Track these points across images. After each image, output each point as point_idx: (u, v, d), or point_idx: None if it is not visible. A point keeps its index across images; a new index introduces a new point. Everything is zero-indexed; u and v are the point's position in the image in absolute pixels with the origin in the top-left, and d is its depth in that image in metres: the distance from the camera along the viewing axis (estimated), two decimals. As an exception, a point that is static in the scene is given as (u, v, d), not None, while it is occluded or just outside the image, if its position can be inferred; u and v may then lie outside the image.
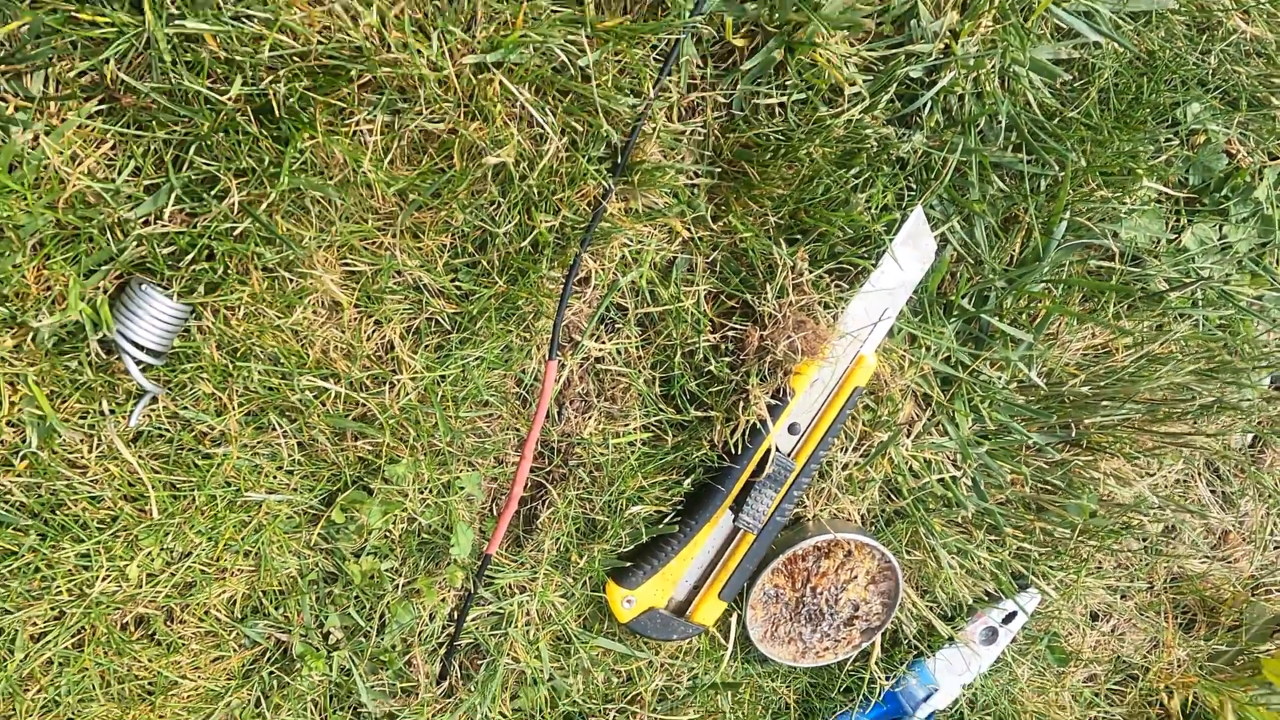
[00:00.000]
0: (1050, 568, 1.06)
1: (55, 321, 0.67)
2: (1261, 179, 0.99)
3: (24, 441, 0.70)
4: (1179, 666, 1.22)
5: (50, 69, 0.64)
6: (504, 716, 0.94)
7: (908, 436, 0.95)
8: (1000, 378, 0.96)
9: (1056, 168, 0.87)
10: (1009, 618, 1.07)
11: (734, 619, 0.97)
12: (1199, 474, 1.16)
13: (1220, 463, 1.15)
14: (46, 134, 0.64)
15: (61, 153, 0.65)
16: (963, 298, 0.92)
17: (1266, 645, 1.23)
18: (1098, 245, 0.96)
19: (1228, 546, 1.21)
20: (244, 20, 0.64)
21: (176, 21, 0.62)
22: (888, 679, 1.04)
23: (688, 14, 0.72)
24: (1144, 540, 1.17)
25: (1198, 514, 1.12)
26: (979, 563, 1.01)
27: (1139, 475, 1.06)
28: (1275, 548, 1.22)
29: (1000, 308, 0.94)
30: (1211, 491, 1.17)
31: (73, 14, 0.62)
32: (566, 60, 0.71)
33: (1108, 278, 0.97)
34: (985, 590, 1.06)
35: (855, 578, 0.98)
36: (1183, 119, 0.93)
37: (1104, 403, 0.96)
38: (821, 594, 0.98)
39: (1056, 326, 0.98)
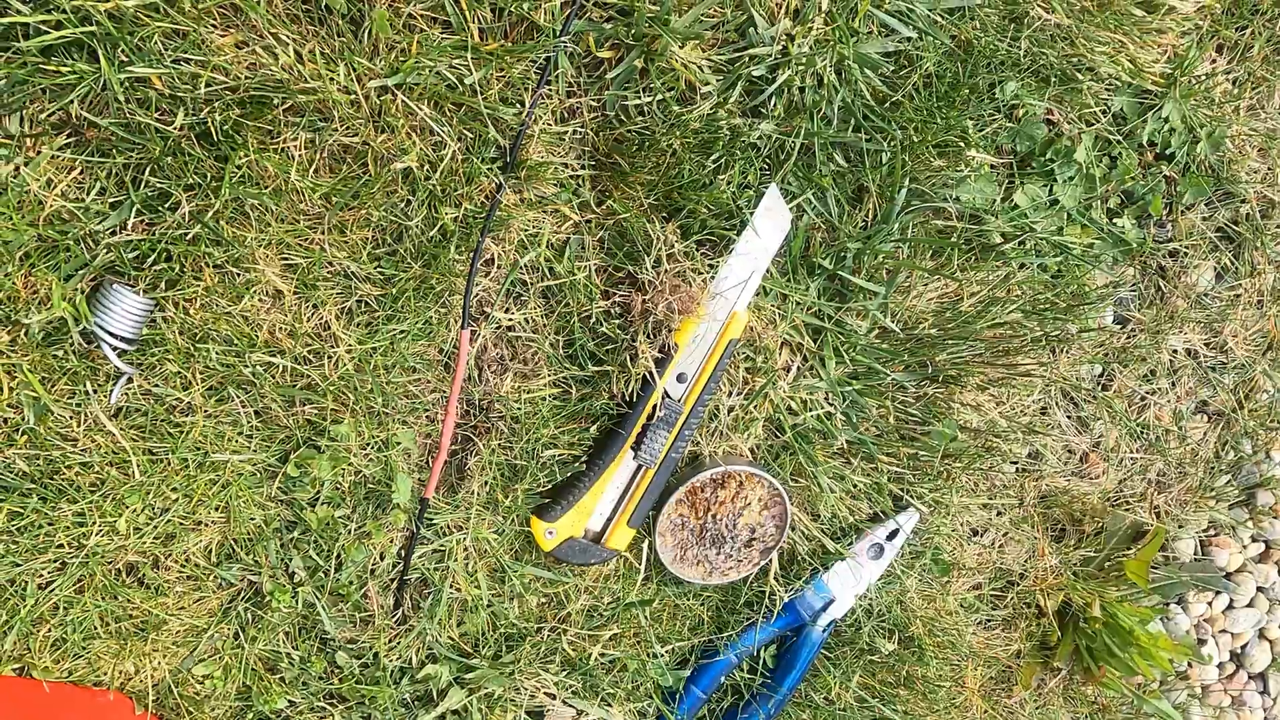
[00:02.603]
0: (925, 489, 1.23)
1: (43, 319, 0.81)
2: (1080, 142, 1.15)
3: (23, 420, 0.84)
4: (1052, 572, 1.39)
5: (25, 111, 0.78)
6: (452, 639, 1.09)
7: (784, 380, 1.11)
8: (861, 325, 1.12)
9: (890, 144, 1.02)
10: (892, 535, 1.24)
11: (645, 545, 1.13)
12: (1056, 403, 1.32)
13: (1073, 392, 1.32)
14: (25, 165, 0.79)
15: (39, 179, 0.79)
16: (823, 259, 1.08)
17: (1127, 549, 1.41)
18: (941, 208, 1.12)
19: (1089, 465, 1.38)
20: (183, 63, 0.78)
21: (127, 67, 0.76)
22: (787, 592, 1.21)
23: (555, 35, 0.87)
24: (1014, 463, 1.34)
25: (1044, 435, 1.28)
26: (857, 486, 1.17)
27: (994, 405, 1.23)
28: (1131, 462, 1.40)
29: (858, 266, 1.09)
30: (1068, 417, 1.34)
31: (41, 65, 0.76)
32: (456, 79, 0.85)
33: (950, 235, 1.13)
34: (869, 511, 1.23)
35: (749, 504, 1.14)
36: (1002, 96, 1.09)
37: (950, 342, 1.12)
38: (721, 520, 1.14)
39: (910, 279, 1.14)
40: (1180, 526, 1.45)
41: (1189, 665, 1.53)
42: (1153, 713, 1.44)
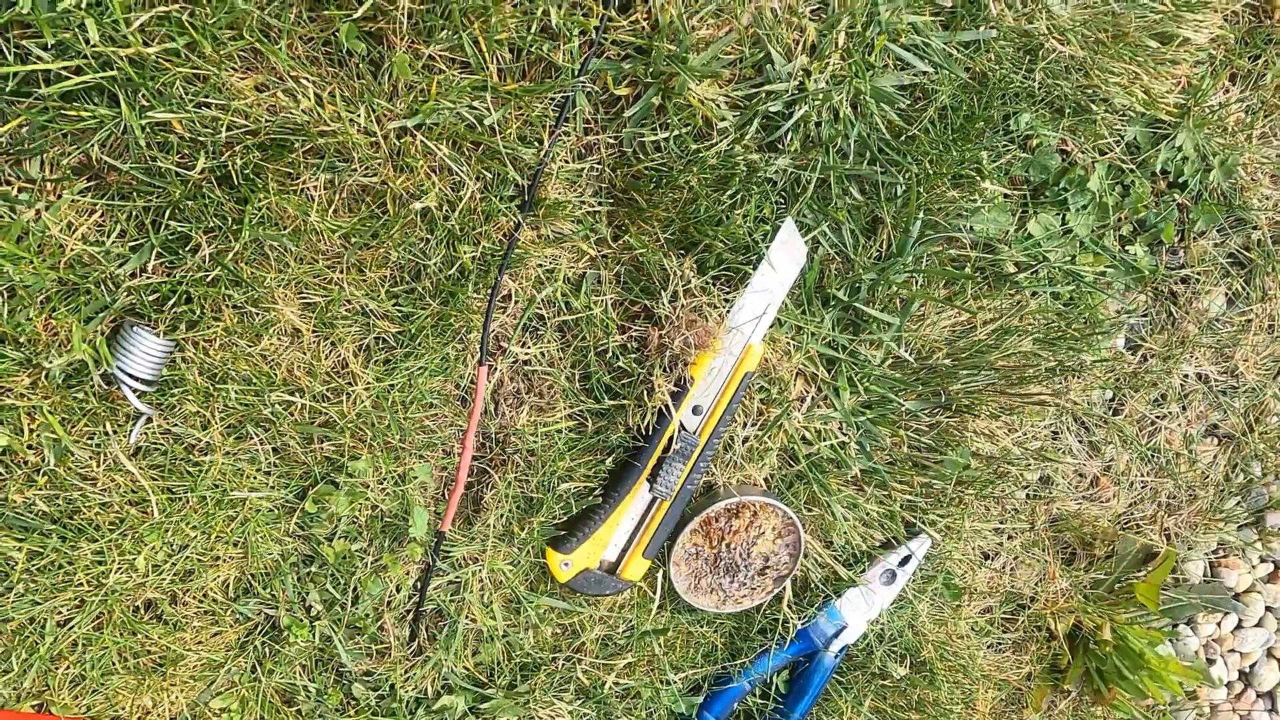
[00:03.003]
0: (937, 516, 1.23)
1: (63, 361, 0.81)
2: (1094, 172, 1.15)
3: (43, 461, 0.84)
4: (1063, 596, 1.39)
5: (45, 155, 0.78)
6: (468, 670, 1.09)
7: (799, 411, 1.11)
8: (876, 356, 1.12)
9: (905, 177, 1.02)
10: (904, 561, 1.24)
11: (660, 575, 1.13)
12: (1067, 428, 1.33)
13: (1084, 417, 1.32)
14: (46, 209, 0.79)
15: (59, 223, 0.79)
16: (838, 290, 1.08)
17: (1138, 572, 1.41)
18: (955, 238, 1.12)
19: (1100, 489, 1.39)
20: (203, 107, 0.78)
21: (148, 112, 0.76)
22: (800, 619, 1.21)
23: (574, 75, 0.87)
24: (1025, 488, 1.34)
25: (1056, 461, 1.28)
26: (870, 514, 1.17)
27: (1007, 432, 1.23)
28: (1142, 485, 1.40)
29: (872, 296, 1.09)
30: (1079, 442, 1.34)
31: (61, 110, 0.76)
32: (475, 119, 0.85)
33: (964, 265, 1.13)
34: (881, 538, 1.23)
35: (763, 533, 1.14)
36: (1016, 127, 1.09)
37: (964, 371, 1.12)
38: (735, 549, 1.14)
39: (924, 309, 1.14)
40: (1190, 548, 1.45)
41: (1198, 686, 1.53)
42: (1163, 735, 1.45)
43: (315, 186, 0.84)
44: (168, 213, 0.81)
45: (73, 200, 0.79)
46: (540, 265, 0.96)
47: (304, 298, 0.89)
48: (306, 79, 0.80)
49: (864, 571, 1.22)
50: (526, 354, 0.99)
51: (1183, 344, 1.31)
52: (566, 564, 1.06)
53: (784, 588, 1.19)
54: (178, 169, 0.79)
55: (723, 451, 1.10)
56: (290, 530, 0.97)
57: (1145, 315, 1.29)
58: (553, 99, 0.89)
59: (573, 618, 1.12)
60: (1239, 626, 1.55)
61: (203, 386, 0.87)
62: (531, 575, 1.09)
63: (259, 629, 1.00)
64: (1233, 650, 1.56)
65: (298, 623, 1.00)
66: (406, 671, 1.06)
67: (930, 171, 1.03)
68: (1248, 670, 1.58)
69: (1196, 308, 1.30)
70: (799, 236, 1.01)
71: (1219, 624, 1.54)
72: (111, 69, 0.74)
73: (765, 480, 1.14)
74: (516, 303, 0.97)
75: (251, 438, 0.91)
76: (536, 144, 0.89)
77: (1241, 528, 1.48)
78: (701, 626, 1.20)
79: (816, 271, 1.06)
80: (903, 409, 1.14)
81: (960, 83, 1.03)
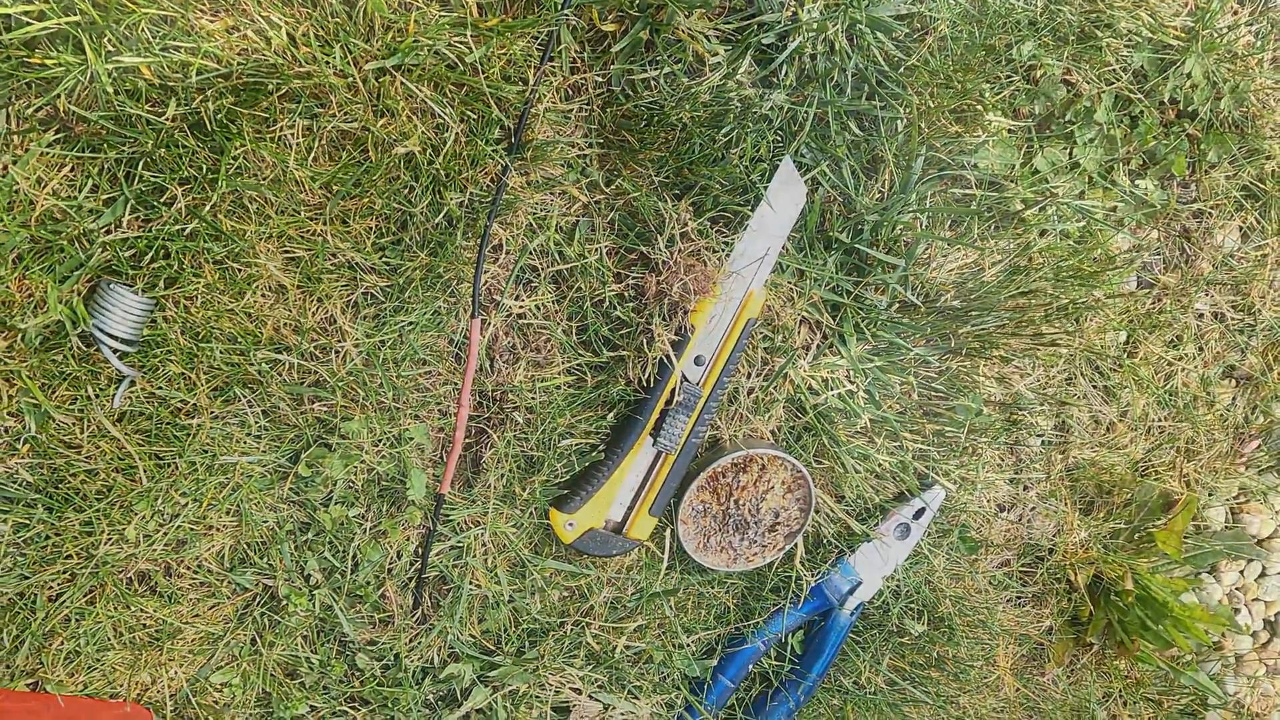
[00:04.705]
0: (951, 466, 1.20)
1: (39, 323, 0.78)
2: (1100, 102, 1.11)
3: (24, 428, 0.82)
4: (1082, 546, 1.36)
5: (10, 108, 0.75)
6: (474, 637, 1.07)
7: (804, 359, 1.08)
8: (881, 300, 1.08)
9: (906, 111, 0.99)
10: (919, 514, 1.21)
11: (668, 534, 1.10)
12: (1081, 372, 1.29)
13: (1099, 360, 1.29)
14: (14, 163, 0.76)
15: (28, 178, 0.76)
16: (840, 232, 1.05)
17: (1158, 520, 1.38)
18: (959, 176, 1.08)
19: (1116, 434, 1.35)
20: (172, 51, 0.75)
21: (115, 57, 0.73)
22: (813, 576, 1.18)
23: (557, 8, 0.83)
24: (1040, 435, 1.30)
25: (1071, 404, 1.25)
26: (881, 465, 1.14)
27: (1019, 377, 1.20)
28: (1159, 430, 1.36)
29: (875, 238, 1.06)
30: (1094, 387, 1.30)
31: (25, 58, 0.73)
32: (456, 58, 0.82)
33: (970, 203, 1.09)
34: (893, 490, 1.20)
35: (772, 488, 1.11)
36: (1019, 56, 1.05)
37: (973, 313, 1.09)
38: (744, 505, 1.11)
39: (930, 250, 1.10)
40: (1210, 494, 1.42)
41: (1223, 635, 1.50)
42: (1189, 685, 1.42)
43: (293, 132, 0.81)
44: (140, 164, 0.78)
45: (41, 153, 0.76)
46: (531, 213, 0.93)
47: (287, 251, 0.86)
48: (278, 18, 0.77)
49: (877, 525, 1.19)
50: (520, 307, 0.96)
51: (1197, 281, 1.27)
52: (571, 524, 1.03)
53: (795, 544, 1.16)
54: (149, 117, 0.76)
55: (727, 404, 1.07)
56: (284, 496, 0.94)
57: (1158, 252, 1.25)
58: (536, 35, 0.86)
59: (580, 580, 1.09)
60: (1262, 574, 1.51)
61: (186, 346, 0.84)
62: (535, 537, 1.06)
63: (257, 600, 0.98)
64: (1256, 599, 1.53)
65: (297, 592, 0.97)
66: (411, 640, 1.03)
67: (931, 105, 1.00)
68: (1273, 619, 1.54)
69: (1210, 243, 1.26)
70: (798, 175, 0.98)
71: (1242, 572, 1.50)
72: (74, 13, 0.71)
73: (772, 433, 1.11)
74: (508, 253, 0.94)
75: (239, 399, 0.89)
76: (521, 83, 0.86)
77: (1263, 471, 1.45)
78: (712, 586, 1.17)
79: (817, 213, 1.02)
80: (911, 354, 1.10)
81: (959, 10, 0.99)
